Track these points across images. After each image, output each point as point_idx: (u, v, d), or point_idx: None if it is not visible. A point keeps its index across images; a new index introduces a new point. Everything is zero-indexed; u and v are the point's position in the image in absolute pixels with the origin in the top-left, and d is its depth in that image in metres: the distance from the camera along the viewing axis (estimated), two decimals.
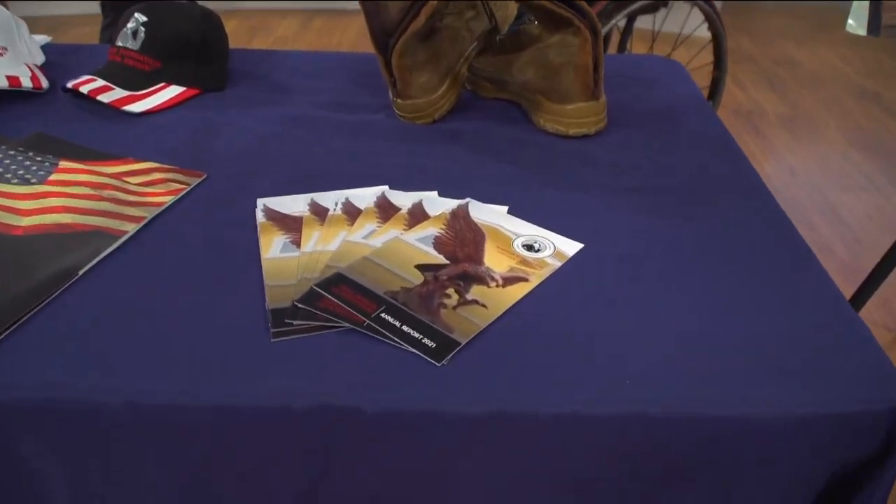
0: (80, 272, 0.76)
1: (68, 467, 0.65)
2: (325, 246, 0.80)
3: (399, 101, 1.05)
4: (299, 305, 0.71)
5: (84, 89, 1.06)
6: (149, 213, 0.85)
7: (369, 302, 0.72)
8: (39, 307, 0.71)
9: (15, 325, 0.69)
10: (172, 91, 1.12)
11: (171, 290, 0.75)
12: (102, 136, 1.03)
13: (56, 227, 0.81)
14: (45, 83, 1.13)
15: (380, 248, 0.79)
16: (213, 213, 0.87)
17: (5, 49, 1.14)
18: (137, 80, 1.10)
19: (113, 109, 1.08)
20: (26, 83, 1.10)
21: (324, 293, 0.73)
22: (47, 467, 0.65)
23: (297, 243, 0.81)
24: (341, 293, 0.73)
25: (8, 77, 1.09)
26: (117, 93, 1.07)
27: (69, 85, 1.07)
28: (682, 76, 1.31)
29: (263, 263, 0.78)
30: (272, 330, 0.69)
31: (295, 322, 0.70)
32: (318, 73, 1.25)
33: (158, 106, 1.09)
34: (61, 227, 0.81)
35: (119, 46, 1.13)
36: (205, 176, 0.94)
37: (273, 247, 0.80)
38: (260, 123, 1.08)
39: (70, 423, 0.63)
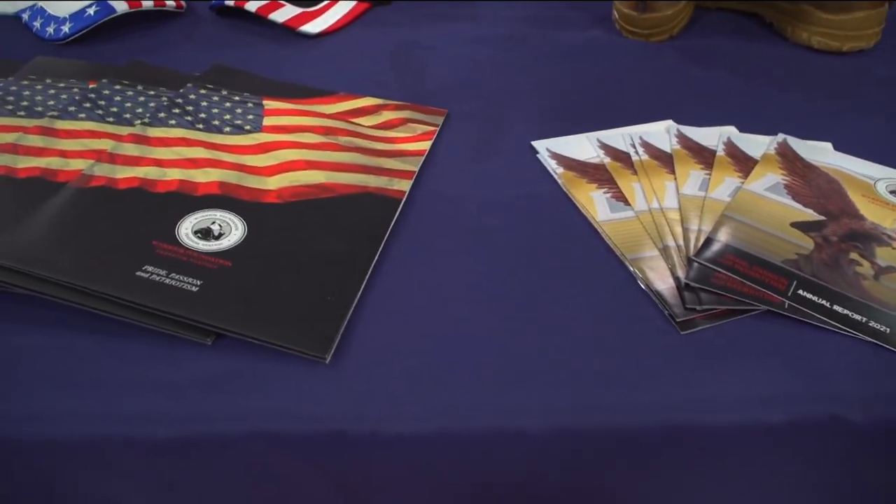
0: (379, 250, 0.58)
1: None
2: (661, 202, 0.64)
3: (636, 14, 0.87)
4: (693, 285, 0.56)
5: (251, 6, 0.85)
6: (414, 166, 0.67)
7: (773, 275, 0.57)
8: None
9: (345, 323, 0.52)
10: (344, 6, 0.91)
11: (488, 270, 0.58)
12: (279, 64, 0.83)
13: (316, 190, 0.63)
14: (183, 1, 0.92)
15: (734, 204, 0.64)
16: (484, 163, 0.70)
17: None
18: None
19: (282, 30, 0.87)
20: (170, 2, 0.88)
21: (715, 268, 0.57)
22: None
23: (621, 199, 0.65)
24: (735, 266, 0.57)
25: None
26: (289, 10, 0.86)
27: (230, 2, 0.86)
28: None
29: (605, 230, 0.61)
30: (678, 320, 0.54)
31: (698, 308, 0.55)
32: None
33: (334, 25, 0.89)
34: (322, 190, 0.63)
35: None
36: (447, 113, 0.76)
37: (597, 205, 0.64)
38: (463, 45, 0.88)
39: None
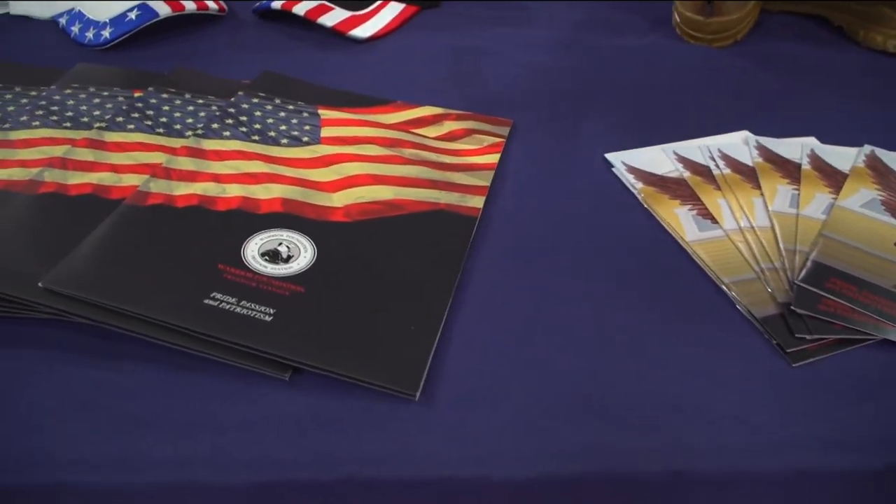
0: (459, 272, 0.54)
1: None
2: (751, 219, 0.60)
3: (701, 19, 0.83)
4: (800, 312, 0.52)
5: (298, 9, 0.81)
6: (486, 181, 0.63)
7: (887, 301, 0.53)
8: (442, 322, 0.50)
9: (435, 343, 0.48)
10: (393, 9, 0.87)
11: (575, 294, 0.54)
12: (328, 70, 0.79)
13: (385, 208, 0.59)
14: (224, 4, 0.88)
15: (831, 222, 0.60)
16: (558, 176, 0.66)
17: None
18: None
19: (329, 35, 0.83)
20: (212, 5, 0.84)
21: (823, 293, 0.53)
22: None
23: (707, 216, 0.61)
24: (843, 291, 0.53)
25: None
26: (339, 13, 0.83)
27: (278, 5, 0.82)
28: None
29: (695, 250, 0.57)
30: (788, 351, 0.50)
31: (808, 337, 0.51)
32: None
33: (384, 29, 0.85)
34: (391, 207, 0.59)
35: None
36: (512, 124, 0.72)
37: (684, 223, 0.60)
38: (518, 49, 0.84)
39: None
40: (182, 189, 0.58)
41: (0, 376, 0.47)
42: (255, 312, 0.48)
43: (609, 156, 0.68)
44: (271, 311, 0.49)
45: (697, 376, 0.48)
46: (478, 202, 0.61)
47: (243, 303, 0.49)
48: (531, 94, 0.77)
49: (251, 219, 0.56)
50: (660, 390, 0.47)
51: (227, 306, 0.48)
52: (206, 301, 0.49)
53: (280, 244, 0.54)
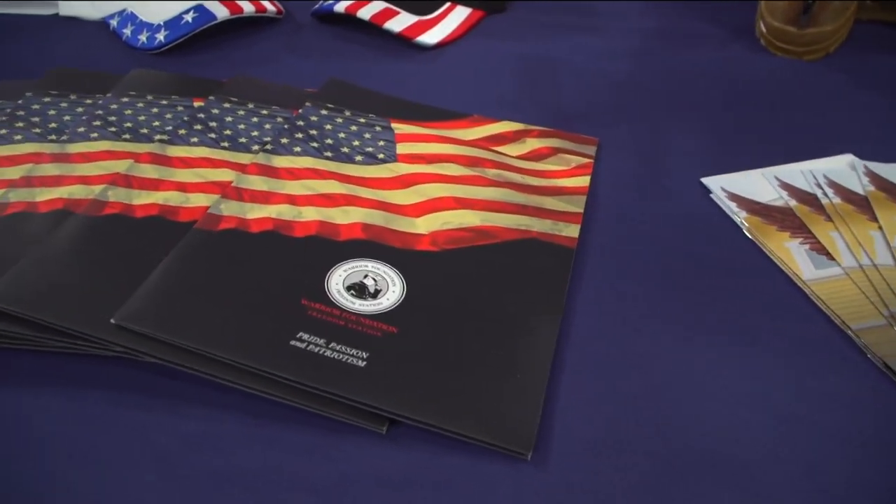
0: (562, 311, 0.50)
1: None
2: (872, 257, 0.55)
3: (793, 30, 0.78)
4: None
5: (363, 13, 0.77)
6: (579, 207, 0.59)
7: None
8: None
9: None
10: (460, 13, 0.82)
11: (690, 335, 0.49)
12: (395, 79, 0.74)
13: (474, 235, 0.54)
14: (281, 6, 0.83)
15: None
16: (652, 202, 0.61)
17: None
18: (421, 1, 0.80)
19: (392, 40, 0.78)
20: (270, 7, 0.80)
21: None
22: None
23: (822, 252, 0.56)
24: None
25: None
26: (406, 18, 0.78)
27: (341, 8, 0.77)
28: None
29: (814, 291, 0.52)
30: None
31: None
32: None
33: (451, 35, 0.80)
34: (480, 235, 0.54)
35: None
36: (598, 143, 0.67)
37: (798, 260, 0.55)
38: (593, 60, 0.79)
39: None
40: (255, 212, 0.53)
41: (63, 418, 0.43)
42: (346, 356, 0.44)
43: (706, 180, 0.63)
44: (364, 354, 0.44)
45: (833, 436, 0.43)
46: (573, 231, 0.56)
47: (333, 345, 0.44)
48: (611, 110, 0.72)
49: (331, 247, 0.51)
50: (794, 452, 0.43)
51: (316, 349, 0.44)
52: (293, 342, 0.44)
53: (366, 276, 0.49)
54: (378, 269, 0.50)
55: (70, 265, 0.48)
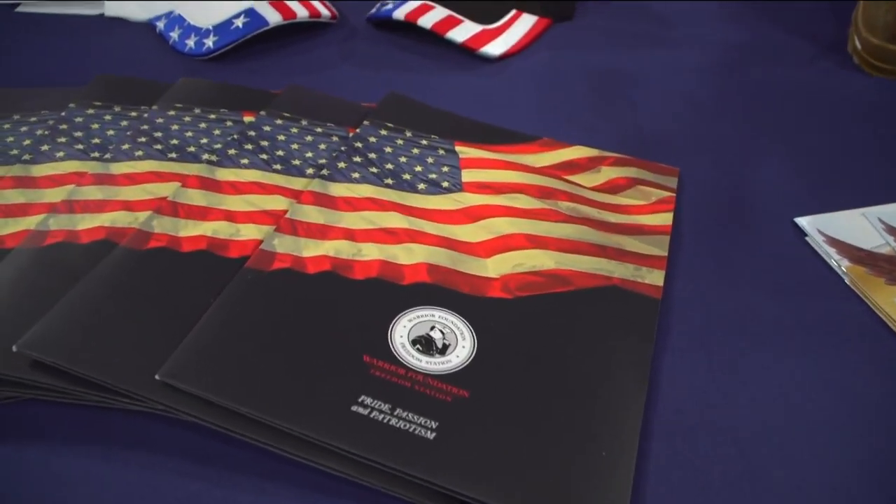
0: (648, 378, 0.45)
1: None
2: None
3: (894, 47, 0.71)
4: None
5: (425, 22, 0.72)
6: (662, 249, 0.53)
7: None
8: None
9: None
10: (526, 22, 0.77)
11: (794, 403, 0.44)
12: (456, 93, 0.69)
13: (548, 281, 0.49)
14: (335, 10, 0.78)
15: None
16: (739, 244, 0.55)
17: None
18: (485, 7, 0.75)
19: (454, 50, 0.73)
20: (324, 12, 0.75)
21: None
22: None
23: None
24: None
25: (302, 1, 0.74)
26: (469, 27, 0.73)
27: (401, 15, 0.72)
28: None
29: None
30: None
31: None
32: None
33: (516, 45, 0.75)
34: (555, 281, 0.49)
35: None
36: (679, 173, 0.61)
37: None
38: (669, 76, 0.74)
39: None
40: (311, 248, 0.49)
41: (98, 480, 0.39)
42: (414, 426, 0.39)
43: (801, 221, 0.57)
44: (433, 424, 0.39)
45: None
46: (657, 278, 0.50)
47: (398, 411, 0.40)
48: (692, 133, 0.66)
49: (394, 291, 0.47)
50: None
51: (380, 416, 0.39)
52: (355, 408, 0.40)
53: (433, 328, 0.45)
54: (446, 319, 0.45)
55: (110, 310, 0.44)
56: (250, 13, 0.71)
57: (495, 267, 0.50)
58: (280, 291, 0.46)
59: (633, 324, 0.47)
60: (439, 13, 0.72)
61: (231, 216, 0.51)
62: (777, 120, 0.68)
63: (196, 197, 0.52)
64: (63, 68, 0.71)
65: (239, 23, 0.70)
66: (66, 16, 0.79)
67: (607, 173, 0.60)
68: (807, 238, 0.56)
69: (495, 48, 0.73)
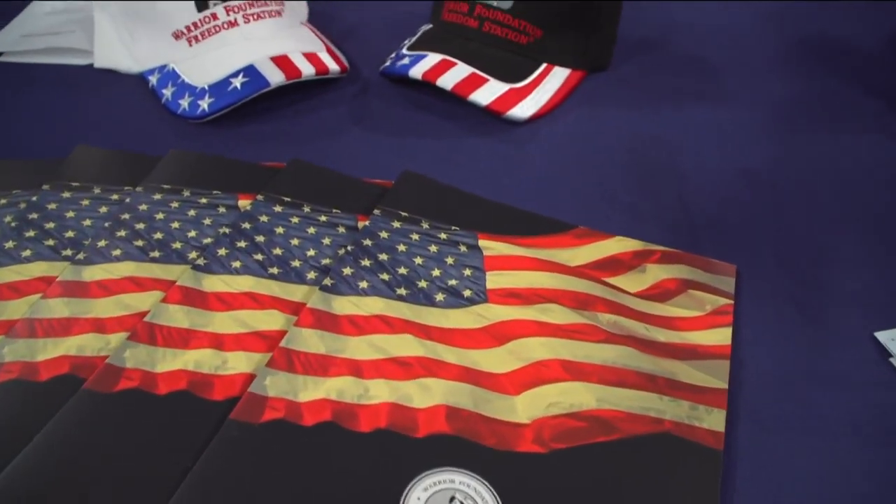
0: None
1: None
2: None
3: None
4: None
5: (444, 83, 0.64)
6: (722, 380, 0.45)
7: None
8: None
9: None
10: (558, 76, 0.69)
11: None
12: (478, 166, 0.61)
13: (589, 427, 0.41)
14: (345, 61, 0.71)
15: None
16: (812, 368, 0.47)
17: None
18: (513, 63, 0.67)
19: (483, 111, 0.65)
20: (333, 67, 0.67)
21: None
22: None
23: None
24: None
25: (307, 56, 0.66)
26: (495, 87, 0.64)
27: (418, 74, 0.64)
28: None
29: None
30: None
31: None
32: (741, 39, 0.80)
33: (547, 105, 0.67)
34: (597, 427, 0.41)
35: (470, 0, 0.68)
36: (736, 271, 0.53)
37: None
38: (715, 142, 0.65)
39: None
40: (310, 390, 0.41)
41: None
42: None
43: (883, 336, 0.49)
44: None
45: None
46: (717, 421, 0.42)
47: None
48: (748, 219, 0.58)
49: (407, 447, 0.39)
50: None
51: None
52: None
53: (452, 500, 0.37)
54: (469, 486, 0.38)
55: (68, 479, 0.37)
56: (250, 71, 0.63)
57: (525, 408, 0.42)
58: (271, 451, 0.38)
59: (690, 482, 0.39)
60: (461, 71, 0.64)
61: (218, 341, 0.44)
62: (847, 200, 0.60)
63: (178, 316, 0.45)
64: (48, 125, 0.64)
65: (237, 83, 0.63)
66: (52, 66, 0.72)
67: (654, 273, 0.52)
68: (891, 359, 0.48)
69: (524, 110, 0.65)
